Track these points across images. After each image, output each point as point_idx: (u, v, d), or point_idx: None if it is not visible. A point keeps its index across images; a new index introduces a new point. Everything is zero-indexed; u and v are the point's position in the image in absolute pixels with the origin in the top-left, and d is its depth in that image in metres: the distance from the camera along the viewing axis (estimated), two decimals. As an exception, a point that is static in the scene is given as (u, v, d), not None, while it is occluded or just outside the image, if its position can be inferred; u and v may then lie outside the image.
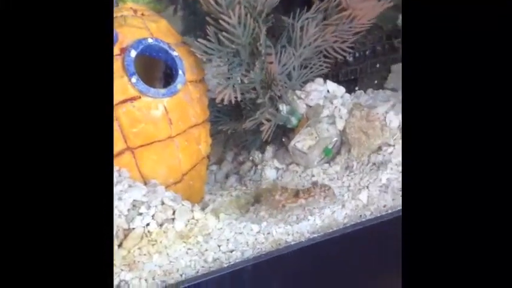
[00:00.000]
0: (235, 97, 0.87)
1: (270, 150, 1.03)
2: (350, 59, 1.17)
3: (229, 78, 0.88)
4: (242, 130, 0.97)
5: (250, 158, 1.05)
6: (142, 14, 0.87)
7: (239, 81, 0.89)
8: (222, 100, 0.88)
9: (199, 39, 0.84)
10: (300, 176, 0.97)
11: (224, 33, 0.84)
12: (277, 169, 1.01)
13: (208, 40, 0.84)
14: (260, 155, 1.04)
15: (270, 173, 1.00)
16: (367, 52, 1.19)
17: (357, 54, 1.18)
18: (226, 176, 1.09)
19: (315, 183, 0.91)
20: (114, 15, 0.82)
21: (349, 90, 1.09)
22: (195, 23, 1.11)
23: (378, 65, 1.19)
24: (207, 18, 0.84)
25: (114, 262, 0.71)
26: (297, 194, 0.87)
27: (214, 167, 1.12)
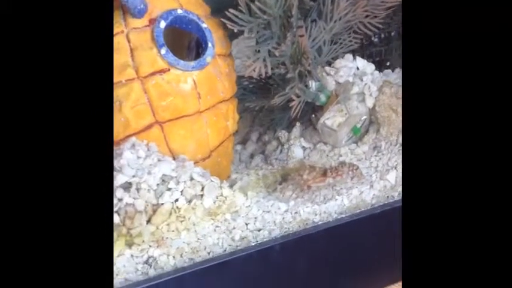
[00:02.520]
0: (266, 72, 0.85)
1: (297, 128, 1.01)
2: (375, 39, 1.14)
3: (258, 51, 0.85)
4: (269, 107, 0.94)
5: (278, 135, 1.03)
6: (171, -16, 0.84)
7: (269, 55, 0.86)
8: (250, 77, 0.86)
9: (230, 9, 0.82)
10: (327, 155, 0.96)
11: (256, 3, 0.81)
12: (304, 148, 0.99)
13: (240, 11, 0.82)
14: (286, 134, 1.02)
15: (297, 152, 0.98)
16: (392, 33, 1.16)
17: (382, 35, 1.15)
18: (251, 156, 1.07)
19: (342, 163, 0.89)
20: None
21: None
22: (219, 4, 1.07)
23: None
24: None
25: (143, 238, 0.69)
26: (324, 173, 0.85)
27: (238, 147, 1.10)
